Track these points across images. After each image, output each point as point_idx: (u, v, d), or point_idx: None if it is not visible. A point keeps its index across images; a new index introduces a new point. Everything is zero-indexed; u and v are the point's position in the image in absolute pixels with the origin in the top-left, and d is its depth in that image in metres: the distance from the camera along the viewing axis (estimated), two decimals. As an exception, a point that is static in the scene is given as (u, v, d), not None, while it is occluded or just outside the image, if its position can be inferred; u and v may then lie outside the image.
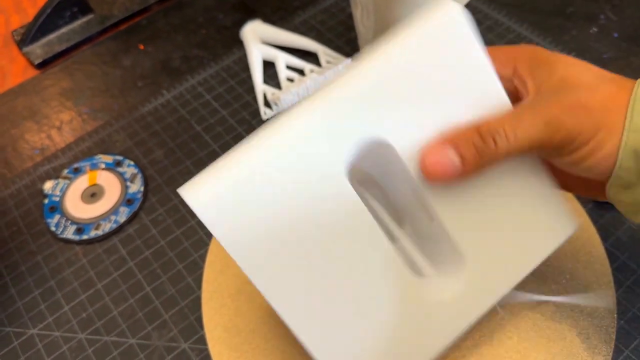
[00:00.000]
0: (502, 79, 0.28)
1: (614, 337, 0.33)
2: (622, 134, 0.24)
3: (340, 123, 0.25)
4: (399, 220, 0.31)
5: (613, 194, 0.26)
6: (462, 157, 0.25)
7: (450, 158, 0.25)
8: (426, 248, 0.30)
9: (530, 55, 0.28)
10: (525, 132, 0.25)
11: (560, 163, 0.27)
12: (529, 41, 0.49)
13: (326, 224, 0.25)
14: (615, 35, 0.50)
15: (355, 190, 0.26)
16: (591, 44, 0.49)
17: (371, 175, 0.30)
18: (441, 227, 0.29)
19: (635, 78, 0.45)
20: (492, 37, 0.50)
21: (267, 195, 0.24)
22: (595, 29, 0.50)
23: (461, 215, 0.28)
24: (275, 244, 0.25)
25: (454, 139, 0.25)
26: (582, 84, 0.26)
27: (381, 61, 0.26)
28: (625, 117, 0.24)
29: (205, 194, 0.24)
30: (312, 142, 0.25)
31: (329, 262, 0.26)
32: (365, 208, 0.26)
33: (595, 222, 0.38)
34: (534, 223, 0.29)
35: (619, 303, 0.35)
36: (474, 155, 0.25)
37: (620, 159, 0.25)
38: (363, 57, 0.26)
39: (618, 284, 0.35)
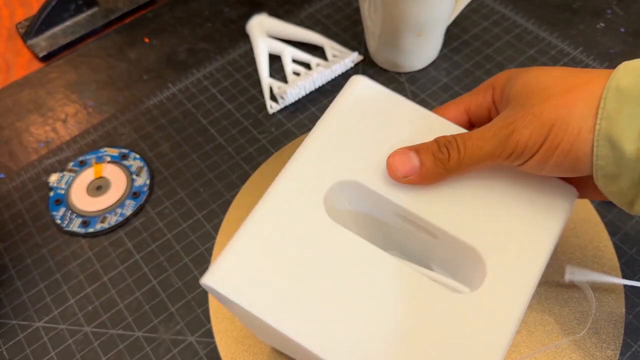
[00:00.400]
0: (484, 108, 0.31)
1: (622, 331, 0.33)
2: (595, 122, 0.25)
3: (309, 178, 0.30)
4: (426, 265, 0.32)
5: (603, 186, 0.26)
6: (421, 161, 0.28)
7: (411, 159, 0.28)
8: (465, 279, 0.30)
9: (505, 75, 0.30)
10: (474, 145, 0.27)
11: (532, 169, 0.27)
12: (536, 36, 0.49)
13: (325, 257, 0.28)
14: (622, 30, 0.49)
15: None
16: (598, 39, 0.49)
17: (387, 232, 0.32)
18: (450, 238, 0.29)
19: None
20: (499, 32, 0.50)
21: (270, 249, 0.28)
22: (602, 24, 0.50)
23: (459, 216, 0.29)
24: (289, 289, 0.27)
25: (417, 146, 0.28)
26: (536, 90, 0.27)
27: (322, 128, 0.31)
28: (598, 106, 0.25)
29: (218, 272, 0.27)
30: (291, 197, 0.29)
31: (341, 291, 0.27)
32: (353, 236, 0.28)
33: (603, 217, 0.38)
34: (536, 205, 0.29)
35: (627, 298, 0.35)
36: (431, 161, 0.28)
37: (596, 147, 0.25)
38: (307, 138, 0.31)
39: (626, 278, 0.35)
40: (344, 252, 0.28)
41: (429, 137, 0.30)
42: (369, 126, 0.31)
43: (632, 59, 0.47)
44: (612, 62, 0.47)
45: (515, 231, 0.28)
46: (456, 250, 0.30)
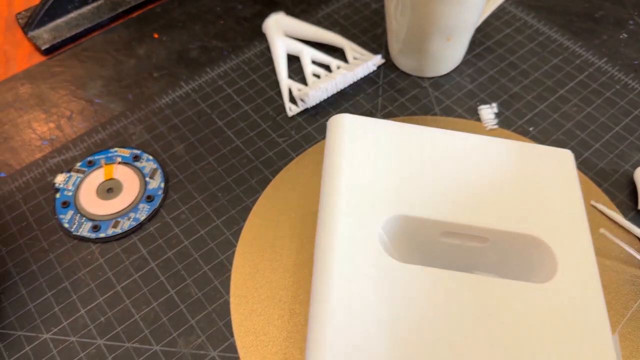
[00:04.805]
0: None
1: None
2: None
3: (355, 231, 0.29)
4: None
5: None
6: None
7: None
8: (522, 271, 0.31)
9: None
10: None
11: None
12: (560, 44, 0.48)
13: (413, 302, 0.27)
14: (645, 41, 0.49)
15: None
16: (622, 50, 0.48)
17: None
18: (505, 235, 0.30)
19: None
20: (522, 39, 0.49)
21: (361, 319, 0.26)
22: (625, 35, 0.49)
23: (503, 212, 0.30)
24: (402, 349, 0.26)
25: None
26: None
27: (337, 175, 0.32)
28: None
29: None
30: (350, 256, 0.28)
31: (444, 327, 0.27)
32: (426, 269, 0.28)
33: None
34: (549, 177, 0.32)
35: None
36: None
37: None
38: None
39: None
40: (427, 289, 0.27)
41: (435, 150, 0.32)
42: (379, 158, 0.31)
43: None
44: (637, 73, 0.46)
45: (552, 208, 0.31)
46: (510, 246, 0.30)
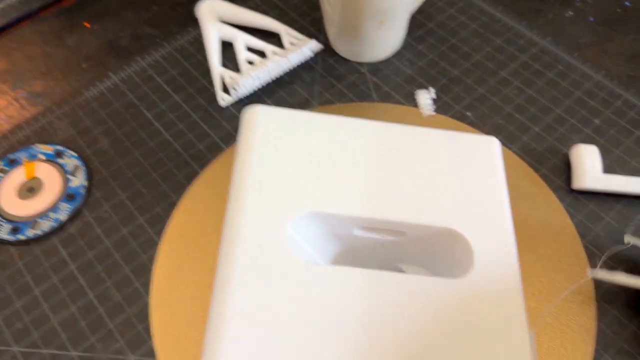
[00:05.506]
0: None
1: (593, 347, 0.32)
2: None
3: (263, 228, 0.28)
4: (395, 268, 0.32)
5: None
6: None
7: None
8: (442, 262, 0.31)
9: None
10: None
11: None
12: (504, 24, 0.47)
13: (319, 301, 0.26)
14: (591, 19, 0.47)
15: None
16: (567, 28, 0.47)
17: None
18: (422, 228, 0.29)
19: (611, 65, 0.43)
20: (465, 20, 0.47)
21: (260, 319, 0.25)
22: (571, 13, 0.48)
23: (420, 205, 0.29)
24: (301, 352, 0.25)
25: None
26: None
27: (249, 170, 0.30)
28: None
29: None
30: (254, 253, 0.27)
31: (349, 328, 0.26)
32: (333, 268, 0.27)
33: (572, 217, 0.36)
34: (472, 166, 0.31)
35: (598, 306, 0.33)
36: None
37: None
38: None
39: (597, 283, 0.34)
40: (334, 289, 0.26)
41: (354, 142, 0.31)
42: (294, 152, 0.30)
43: (602, 50, 0.46)
44: (581, 52, 0.45)
45: (473, 199, 0.30)
46: (430, 239, 0.30)
